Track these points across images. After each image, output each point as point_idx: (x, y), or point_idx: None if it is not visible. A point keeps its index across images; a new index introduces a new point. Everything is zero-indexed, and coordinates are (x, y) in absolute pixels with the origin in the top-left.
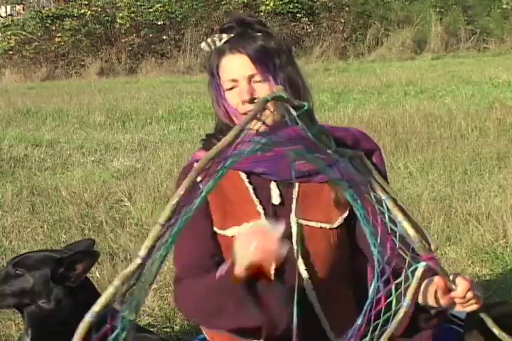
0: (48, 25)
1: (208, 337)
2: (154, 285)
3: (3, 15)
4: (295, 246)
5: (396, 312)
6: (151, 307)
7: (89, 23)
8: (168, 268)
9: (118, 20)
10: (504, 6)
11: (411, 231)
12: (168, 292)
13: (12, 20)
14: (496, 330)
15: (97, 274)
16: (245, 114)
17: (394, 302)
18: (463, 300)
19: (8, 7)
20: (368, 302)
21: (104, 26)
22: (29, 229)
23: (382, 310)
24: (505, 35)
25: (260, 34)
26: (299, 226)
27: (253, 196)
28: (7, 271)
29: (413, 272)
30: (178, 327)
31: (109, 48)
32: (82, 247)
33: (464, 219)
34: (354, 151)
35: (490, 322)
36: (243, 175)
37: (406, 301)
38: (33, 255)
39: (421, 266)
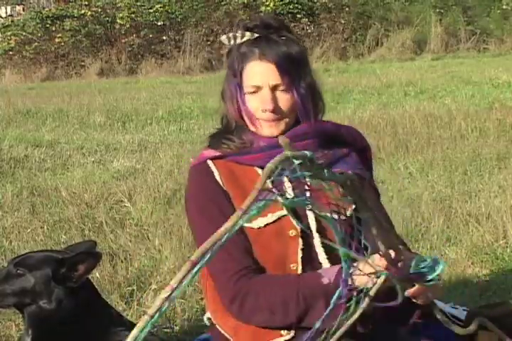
0: (48, 25)
1: (227, 332)
2: (154, 286)
3: (4, 15)
4: (316, 237)
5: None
6: None
7: (90, 23)
8: (169, 268)
9: (118, 21)
10: (504, 7)
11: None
12: None
13: (12, 21)
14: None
15: (97, 275)
16: (262, 119)
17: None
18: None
19: (9, 8)
20: (330, 307)
21: (104, 27)
22: (29, 230)
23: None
24: (505, 36)
25: (284, 39)
26: (316, 218)
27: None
28: (8, 271)
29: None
30: (178, 328)
31: (109, 49)
32: (83, 248)
33: (463, 220)
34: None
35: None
36: (259, 170)
37: (363, 303)
38: (34, 255)
39: (383, 275)
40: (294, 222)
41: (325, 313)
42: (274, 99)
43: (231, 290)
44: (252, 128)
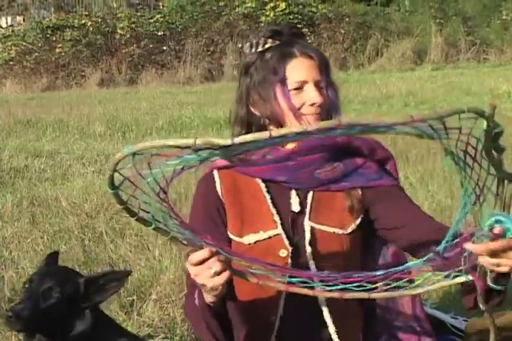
0: (48, 35)
1: None
2: (154, 296)
3: (4, 26)
4: (308, 249)
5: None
6: (151, 318)
7: (90, 33)
8: (169, 278)
9: (118, 31)
10: (504, 17)
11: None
12: (168, 303)
13: (13, 31)
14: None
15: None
16: (309, 114)
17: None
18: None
19: (9, 18)
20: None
21: (104, 37)
22: (29, 240)
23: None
24: (505, 46)
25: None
26: (313, 230)
27: (270, 205)
28: (43, 293)
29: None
30: (178, 338)
31: (109, 59)
32: (55, 260)
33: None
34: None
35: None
36: (262, 184)
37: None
38: (57, 273)
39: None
40: (286, 242)
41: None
42: (321, 94)
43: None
44: (288, 124)
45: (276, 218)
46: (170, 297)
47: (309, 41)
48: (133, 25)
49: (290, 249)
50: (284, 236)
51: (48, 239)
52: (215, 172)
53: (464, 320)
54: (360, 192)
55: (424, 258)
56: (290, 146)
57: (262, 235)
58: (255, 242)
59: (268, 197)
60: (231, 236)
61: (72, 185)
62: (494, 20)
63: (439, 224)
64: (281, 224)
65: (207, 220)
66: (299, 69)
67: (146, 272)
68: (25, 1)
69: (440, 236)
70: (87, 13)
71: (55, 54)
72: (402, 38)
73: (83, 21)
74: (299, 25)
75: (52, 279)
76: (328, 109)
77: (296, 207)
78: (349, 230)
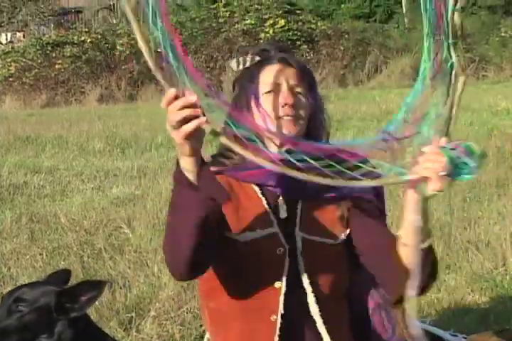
0: (48, 52)
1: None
2: (153, 313)
3: (4, 42)
4: (300, 259)
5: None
6: (150, 335)
7: (90, 50)
8: (168, 295)
9: (118, 48)
10: (503, 34)
11: None
12: (167, 319)
13: (12, 48)
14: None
15: (96, 302)
16: (281, 118)
17: None
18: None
19: (9, 34)
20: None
21: (104, 53)
22: (28, 256)
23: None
24: (504, 64)
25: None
26: (303, 240)
27: (266, 206)
28: (8, 307)
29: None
30: None
31: (109, 75)
32: (59, 277)
33: (463, 247)
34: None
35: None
36: (255, 187)
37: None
38: (31, 288)
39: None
40: (283, 240)
41: None
42: (294, 95)
43: None
44: (267, 134)
45: (273, 217)
46: (169, 314)
47: (308, 58)
48: (132, 42)
49: (287, 246)
50: (280, 234)
51: (46, 256)
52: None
53: (464, 337)
54: (350, 202)
55: (379, 137)
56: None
57: (258, 233)
58: (251, 240)
59: (263, 198)
60: (226, 234)
61: (71, 202)
62: (493, 37)
63: (399, 261)
64: (278, 223)
65: None
66: (272, 72)
67: (144, 289)
68: (26, 18)
69: (395, 273)
70: (86, 29)
71: (54, 70)
72: (401, 55)
73: (83, 38)
74: (298, 42)
75: (20, 293)
76: (305, 117)
77: (282, 214)
78: (339, 240)
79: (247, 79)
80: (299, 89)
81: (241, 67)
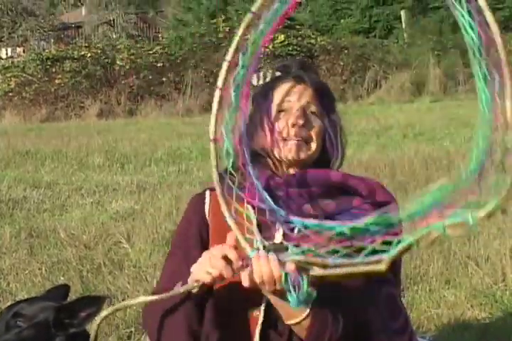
0: (48, 67)
1: None
2: None
3: (4, 57)
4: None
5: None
6: None
7: (89, 64)
8: None
9: (118, 62)
10: None
11: None
12: None
13: (12, 62)
14: None
15: (96, 317)
16: (290, 137)
17: None
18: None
19: (9, 49)
20: None
21: (103, 68)
22: (27, 271)
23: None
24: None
25: (316, 74)
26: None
27: (256, 232)
28: (6, 323)
29: None
30: None
31: (108, 90)
32: (58, 293)
33: (462, 262)
34: None
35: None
36: (251, 210)
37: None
38: (30, 304)
39: None
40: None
41: None
42: (306, 116)
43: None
44: (276, 154)
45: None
46: None
47: None
48: (132, 57)
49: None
50: None
51: (46, 271)
52: (207, 193)
53: None
54: None
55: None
56: (291, 172)
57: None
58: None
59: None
60: None
61: (70, 216)
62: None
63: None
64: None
65: (183, 239)
66: (287, 91)
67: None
68: (26, 33)
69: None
70: (86, 44)
71: (54, 85)
72: (401, 70)
73: (83, 53)
74: (297, 57)
75: (19, 308)
76: (318, 139)
77: (278, 239)
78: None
79: (262, 96)
80: (312, 109)
81: (261, 82)
